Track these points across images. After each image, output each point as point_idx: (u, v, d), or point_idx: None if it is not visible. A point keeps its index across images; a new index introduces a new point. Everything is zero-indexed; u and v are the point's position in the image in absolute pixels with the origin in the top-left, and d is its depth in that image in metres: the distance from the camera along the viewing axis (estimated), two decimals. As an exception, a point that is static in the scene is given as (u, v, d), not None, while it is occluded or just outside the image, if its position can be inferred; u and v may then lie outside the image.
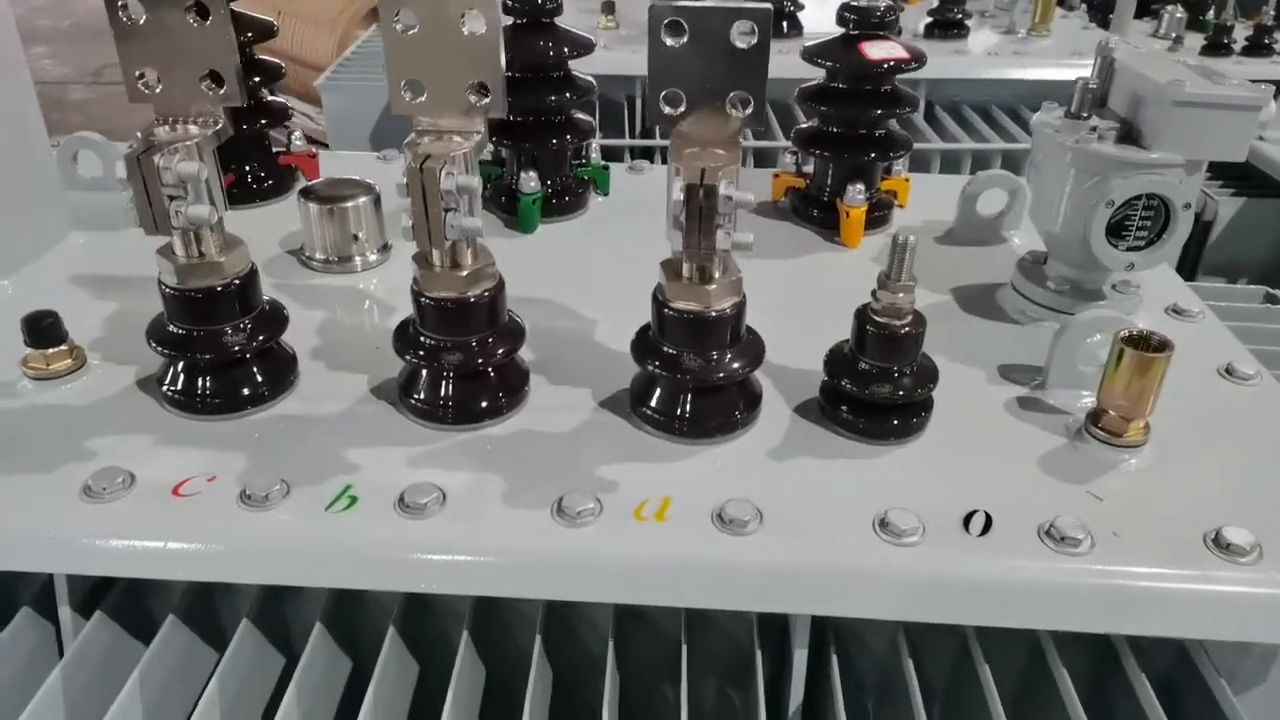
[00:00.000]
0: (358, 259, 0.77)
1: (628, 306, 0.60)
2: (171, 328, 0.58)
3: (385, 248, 0.79)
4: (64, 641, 0.57)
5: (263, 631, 0.58)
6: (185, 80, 0.54)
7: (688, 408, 0.58)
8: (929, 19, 1.68)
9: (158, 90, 0.55)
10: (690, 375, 0.56)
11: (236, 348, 0.58)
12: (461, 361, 0.57)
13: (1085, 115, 0.65)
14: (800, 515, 0.52)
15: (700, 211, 0.50)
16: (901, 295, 0.55)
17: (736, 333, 0.56)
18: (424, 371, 0.59)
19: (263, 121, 0.86)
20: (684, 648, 0.55)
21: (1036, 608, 0.50)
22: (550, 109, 0.83)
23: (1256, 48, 2.21)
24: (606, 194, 0.91)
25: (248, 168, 0.87)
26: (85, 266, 0.77)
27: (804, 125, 0.86)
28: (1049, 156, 0.67)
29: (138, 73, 0.54)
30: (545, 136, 0.84)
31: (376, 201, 0.77)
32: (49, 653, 0.58)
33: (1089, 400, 0.60)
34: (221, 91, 0.54)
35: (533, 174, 0.83)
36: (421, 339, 0.58)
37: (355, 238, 0.76)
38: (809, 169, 0.88)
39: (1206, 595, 0.49)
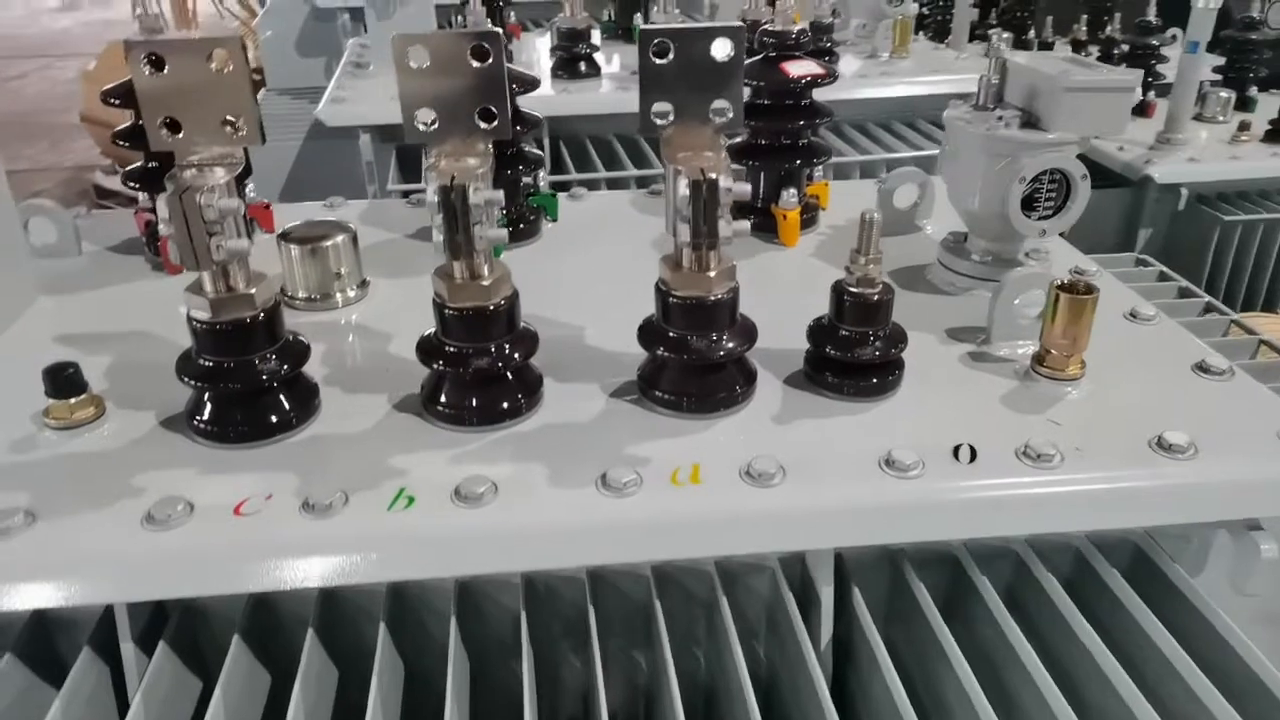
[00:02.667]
0: (338, 295, 0.80)
1: (607, 310, 0.67)
2: (203, 361, 0.60)
3: (364, 284, 0.82)
4: (127, 677, 0.58)
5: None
6: (206, 125, 0.58)
7: (696, 386, 0.64)
8: None
9: (179, 136, 0.58)
10: (697, 355, 0.62)
11: (268, 376, 0.61)
12: (487, 365, 0.62)
13: (991, 107, 0.76)
14: (816, 465, 0.59)
15: (705, 204, 0.57)
16: (872, 267, 0.63)
17: (734, 315, 0.63)
18: (449, 379, 0.63)
19: (218, 176, 0.88)
20: (657, 605, 0.61)
21: (1025, 517, 0.58)
22: (506, 143, 0.89)
23: (1076, 59, 2.45)
24: (556, 219, 0.97)
25: (205, 222, 0.89)
26: (62, 327, 0.77)
27: (735, 140, 0.94)
28: (963, 145, 0.77)
29: (159, 121, 0.57)
30: (501, 168, 0.89)
31: (354, 239, 0.81)
32: (105, 691, 0.58)
33: (1024, 348, 0.70)
34: (241, 134, 0.58)
35: (493, 203, 0.88)
36: (446, 347, 0.62)
37: (338, 275, 0.79)
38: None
39: (1161, 488, 0.58)
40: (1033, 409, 0.64)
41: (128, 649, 0.57)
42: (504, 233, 0.59)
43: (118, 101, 0.84)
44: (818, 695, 0.54)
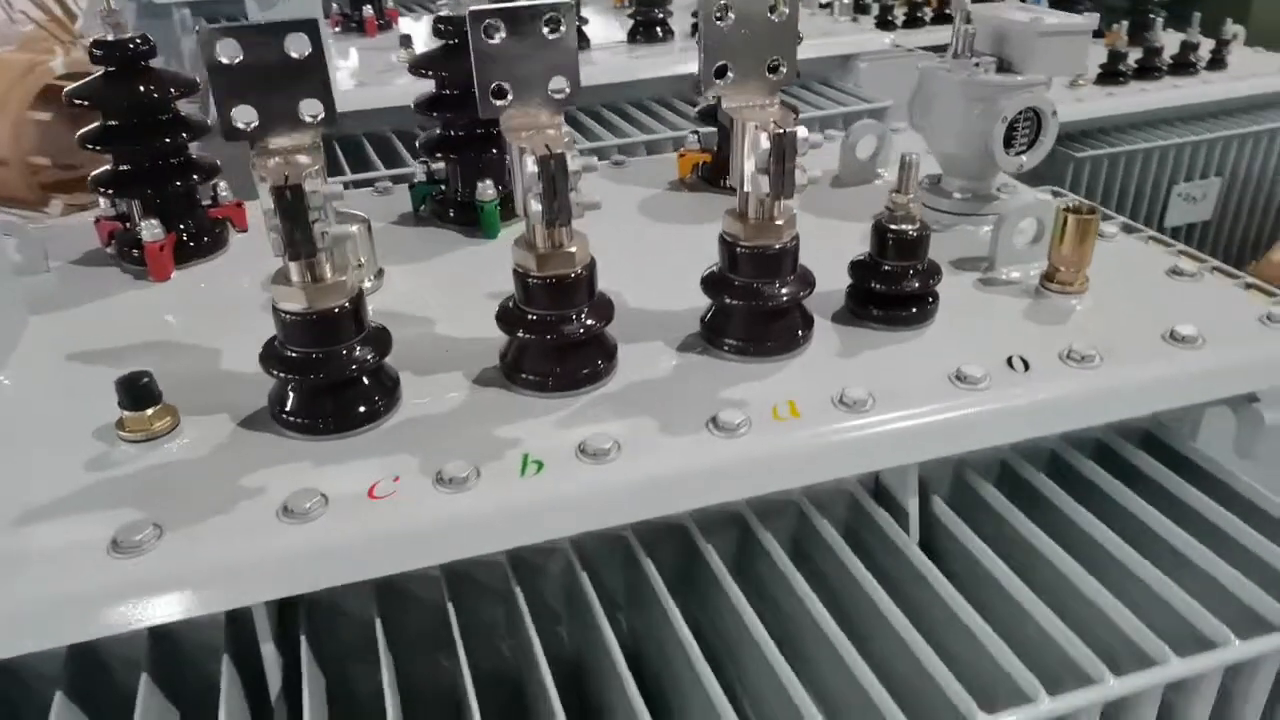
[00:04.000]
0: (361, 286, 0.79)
1: (629, 276, 0.67)
2: (296, 353, 0.59)
3: (380, 273, 0.81)
4: (269, 677, 0.56)
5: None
6: (284, 112, 0.56)
7: (764, 331, 0.68)
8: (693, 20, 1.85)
9: (254, 125, 0.56)
10: (767, 301, 0.66)
11: (361, 363, 0.60)
12: (574, 331, 0.63)
13: (968, 55, 0.83)
14: (895, 388, 0.64)
15: (783, 159, 0.61)
16: (911, 205, 0.69)
17: (795, 261, 0.67)
18: (534, 347, 0.64)
19: (194, 177, 0.84)
20: (767, 535, 0.65)
21: (1078, 412, 0.65)
22: (489, 121, 0.89)
23: (912, 21, 2.63)
24: (535, 196, 0.98)
25: (181, 226, 0.85)
26: (68, 345, 0.73)
27: (702, 105, 0.98)
28: (941, 93, 0.84)
29: (234, 111, 0.56)
30: (489, 147, 0.90)
31: (369, 229, 0.79)
32: (238, 698, 0.57)
33: (1022, 270, 0.78)
34: (320, 118, 0.57)
35: (488, 182, 0.88)
36: (530, 317, 0.63)
37: (359, 265, 0.78)
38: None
39: (1182, 374, 0.67)
40: (1054, 320, 0.72)
41: (268, 650, 0.56)
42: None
43: (86, 102, 0.79)
44: (932, 587, 0.60)
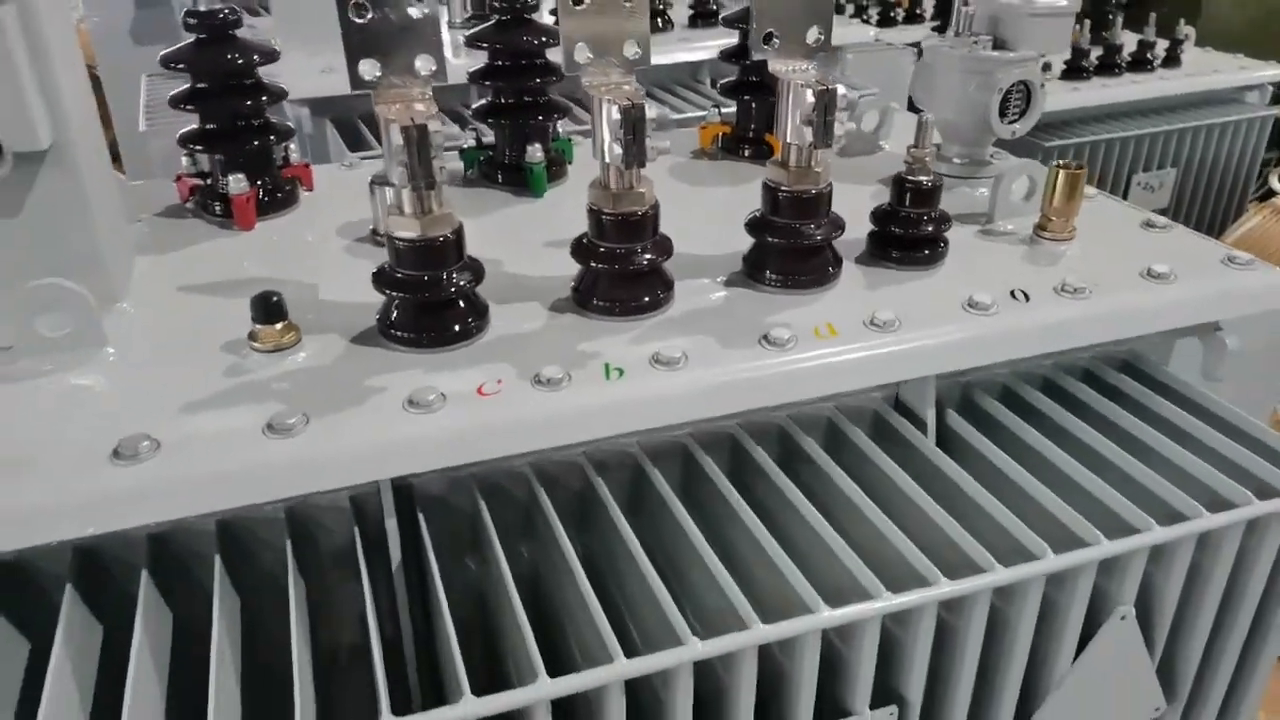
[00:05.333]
0: (428, 233, 0.88)
1: (668, 228, 0.75)
2: (407, 275, 0.68)
3: (445, 221, 0.90)
4: (390, 550, 0.65)
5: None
6: (404, 65, 0.65)
7: (803, 265, 0.78)
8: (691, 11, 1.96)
9: (378, 75, 0.65)
10: (805, 239, 0.76)
11: (463, 285, 0.69)
12: (641, 262, 0.73)
13: (968, 34, 0.93)
14: (917, 315, 0.74)
15: (825, 112, 0.71)
16: (928, 158, 0.79)
17: (830, 204, 0.77)
18: (605, 277, 0.74)
19: (271, 138, 0.93)
20: (810, 440, 0.76)
21: (1073, 334, 0.76)
22: (535, 90, 0.99)
23: (885, 20, 2.76)
24: (571, 161, 1.07)
25: (259, 182, 0.93)
26: (175, 281, 0.81)
27: (725, 80, 1.08)
28: (943, 67, 0.95)
29: (362, 64, 0.65)
30: (535, 114, 0.99)
31: (437, 180, 0.88)
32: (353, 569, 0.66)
33: (1016, 223, 0.89)
34: (434, 70, 0.66)
35: (536, 145, 0.97)
36: (602, 249, 0.73)
37: (430, 213, 0.87)
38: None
39: (1159, 304, 0.78)
40: (1048, 262, 0.83)
41: (391, 524, 0.65)
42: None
43: (180, 65, 0.87)
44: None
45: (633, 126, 0.67)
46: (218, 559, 0.62)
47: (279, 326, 0.68)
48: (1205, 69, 2.30)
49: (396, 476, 0.65)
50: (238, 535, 0.65)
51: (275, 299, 0.68)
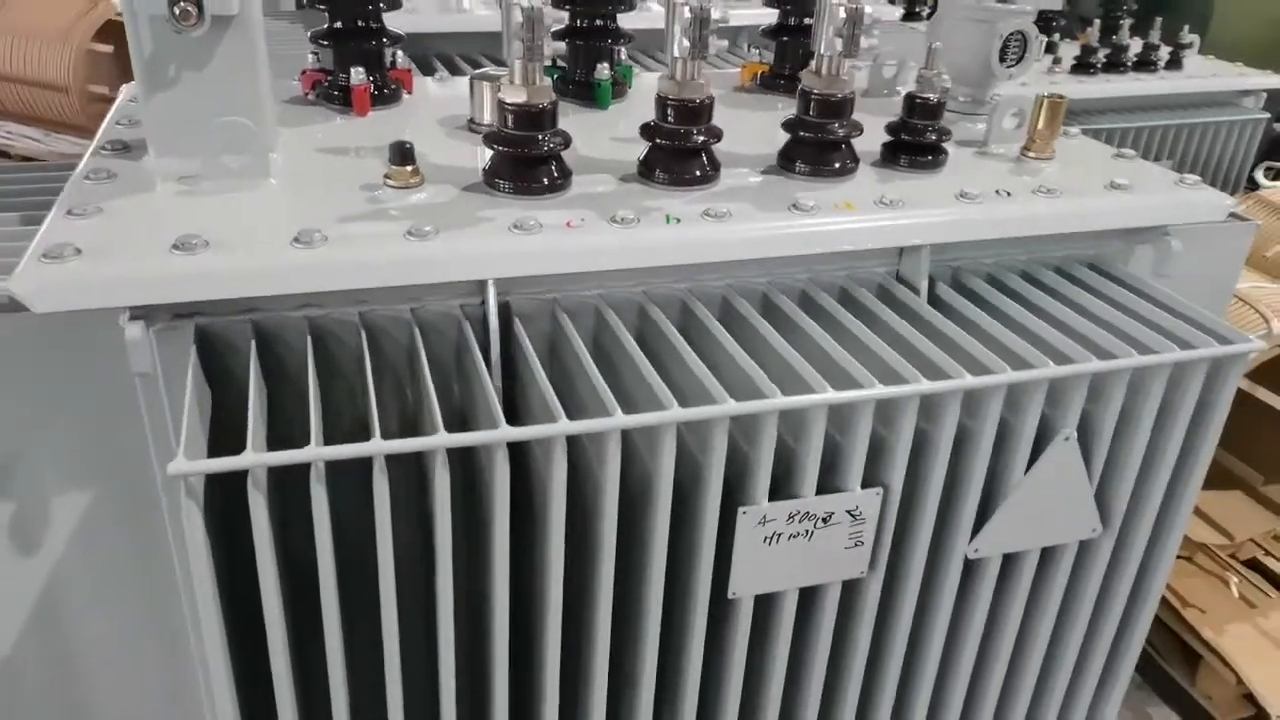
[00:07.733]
0: (514, 125, 1.05)
1: None
2: (514, 133, 0.85)
3: (529, 117, 1.07)
4: (490, 343, 0.83)
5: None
6: (522, -36, 0.83)
7: (829, 158, 0.95)
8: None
9: (503, -28, 0.82)
10: (830, 135, 0.94)
11: (557, 145, 0.87)
12: (697, 143, 0.90)
13: (979, -12, 1.11)
14: (918, 200, 0.91)
15: (854, 25, 0.88)
16: (935, 77, 0.97)
17: (852, 108, 0.94)
18: (665, 152, 0.91)
19: (385, 40, 1.10)
20: (827, 297, 0.93)
21: (1046, 223, 0.93)
22: (607, 16, 1.16)
23: None
24: (631, 85, 1.25)
25: (372, 78, 1.11)
26: (312, 144, 0.98)
27: (765, 26, 1.26)
28: (954, 15, 1.12)
29: (492, -40, 0.82)
30: (604, 38, 1.16)
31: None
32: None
33: (1007, 148, 1.06)
34: (544, -29, 0.84)
35: (605, 65, 1.15)
36: (666, 127, 0.90)
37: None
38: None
39: (1121, 205, 0.95)
40: (1030, 174, 1.00)
41: (494, 321, 0.82)
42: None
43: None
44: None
45: (700, 24, 0.84)
46: (364, 334, 0.79)
47: (409, 169, 0.86)
48: (1205, 74, 2.47)
49: (502, 278, 0.82)
50: (373, 325, 0.82)
51: (409, 145, 0.86)
